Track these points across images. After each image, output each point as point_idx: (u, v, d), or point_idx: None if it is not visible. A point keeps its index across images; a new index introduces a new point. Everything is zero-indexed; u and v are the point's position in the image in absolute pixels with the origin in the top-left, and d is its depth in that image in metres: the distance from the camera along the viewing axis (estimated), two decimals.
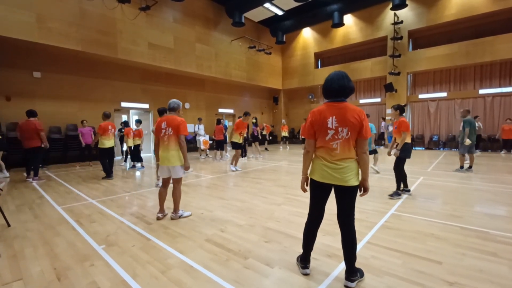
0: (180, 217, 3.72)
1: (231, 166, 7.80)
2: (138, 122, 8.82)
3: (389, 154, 4.86)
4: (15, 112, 8.62)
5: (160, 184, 5.77)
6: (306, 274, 2.24)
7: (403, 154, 4.60)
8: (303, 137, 2.17)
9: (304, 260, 2.28)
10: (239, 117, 8.15)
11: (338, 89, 2.01)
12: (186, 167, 3.63)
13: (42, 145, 6.53)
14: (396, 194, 4.62)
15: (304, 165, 2.19)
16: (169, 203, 3.83)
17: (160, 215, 3.72)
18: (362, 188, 2.11)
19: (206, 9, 13.65)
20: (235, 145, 7.93)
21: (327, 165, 2.04)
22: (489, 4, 11.50)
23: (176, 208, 3.72)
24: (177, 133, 3.52)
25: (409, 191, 4.79)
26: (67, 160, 9.69)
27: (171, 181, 3.75)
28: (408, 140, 4.61)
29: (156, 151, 3.82)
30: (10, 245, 2.91)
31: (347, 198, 2.07)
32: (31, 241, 3.00)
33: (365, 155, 2.03)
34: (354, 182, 2.01)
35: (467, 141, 6.74)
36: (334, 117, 1.99)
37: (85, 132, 8.92)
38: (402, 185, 4.76)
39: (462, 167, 6.94)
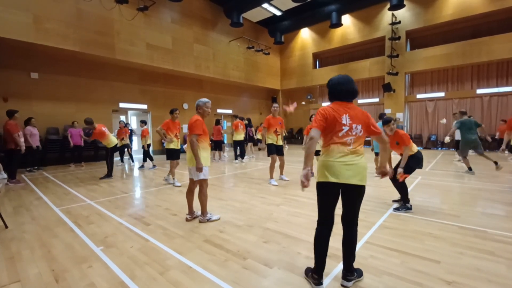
0: (208, 220, 3.56)
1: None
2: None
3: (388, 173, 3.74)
4: None
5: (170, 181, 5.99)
6: None
7: (413, 165, 3.89)
8: (312, 128, 2.04)
9: (318, 274, 2.06)
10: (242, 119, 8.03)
11: (348, 92, 2.09)
12: (197, 168, 3.38)
13: (17, 148, 6.26)
14: (404, 208, 3.92)
15: (308, 154, 1.98)
16: (165, 206, 3.82)
17: (188, 216, 3.67)
18: (381, 172, 2.28)
19: (204, 9, 13.65)
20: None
21: (340, 160, 1.97)
22: (486, 4, 11.56)
23: (203, 211, 3.59)
24: (190, 132, 3.50)
25: (410, 207, 3.93)
26: (64, 161, 9.65)
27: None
28: (415, 149, 3.93)
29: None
30: (7, 247, 2.89)
31: (355, 197, 2.05)
32: (28, 243, 2.98)
33: (387, 147, 2.24)
34: (363, 181, 2.01)
35: (446, 139, 6.56)
36: (347, 114, 2.04)
37: (74, 133, 8.97)
38: (400, 197, 4.10)
39: (470, 168, 6.89)
